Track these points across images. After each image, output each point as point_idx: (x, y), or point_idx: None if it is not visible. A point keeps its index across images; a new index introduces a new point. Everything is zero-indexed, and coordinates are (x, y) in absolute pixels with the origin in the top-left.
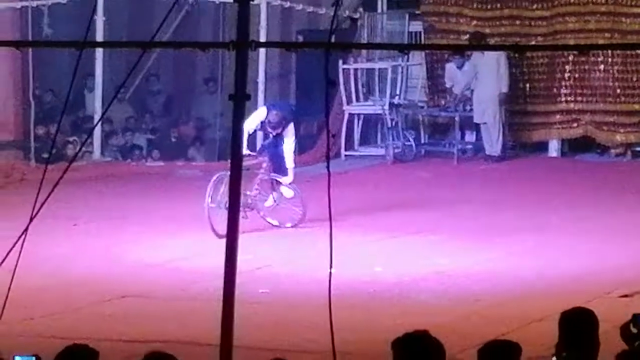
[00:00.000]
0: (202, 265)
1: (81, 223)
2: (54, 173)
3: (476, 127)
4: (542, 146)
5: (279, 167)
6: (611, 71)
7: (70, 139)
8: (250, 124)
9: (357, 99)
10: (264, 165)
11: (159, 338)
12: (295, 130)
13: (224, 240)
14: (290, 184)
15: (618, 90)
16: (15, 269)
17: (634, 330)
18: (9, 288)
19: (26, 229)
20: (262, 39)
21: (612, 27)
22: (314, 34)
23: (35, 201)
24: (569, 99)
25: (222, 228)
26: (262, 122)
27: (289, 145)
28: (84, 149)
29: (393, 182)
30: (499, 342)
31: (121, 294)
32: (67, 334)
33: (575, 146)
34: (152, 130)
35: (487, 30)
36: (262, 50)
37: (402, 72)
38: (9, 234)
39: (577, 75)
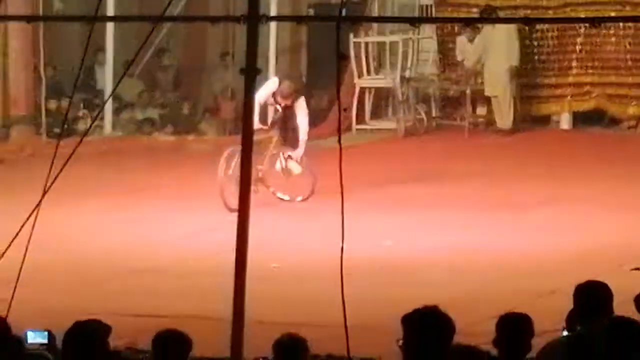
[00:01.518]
0: (214, 239)
1: (92, 198)
2: (65, 148)
3: (487, 100)
4: (554, 119)
5: (290, 141)
6: (623, 43)
7: (81, 114)
8: (262, 94)
9: (368, 73)
10: (275, 139)
11: (170, 313)
12: (306, 103)
13: (235, 215)
14: (301, 158)
15: (630, 63)
16: (28, 244)
17: None
18: (22, 263)
19: (38, 204)
20: (273, 13)
21: None
22: (324, 7)
23: (48, 175)
24: (580, 71)
25: (234, 202)
26: (273, 94)
27: (302, 118)
28: (95, 123)
29: (404, 156)
30: (517, 314)
31: (133, 269)
32: (79, 309)
33: (587, 119)
34: (162, 104)
35: (498, 3)
36: (272, 24)
37: (413, 45)
38: (21, 208)
39: (588, 48)
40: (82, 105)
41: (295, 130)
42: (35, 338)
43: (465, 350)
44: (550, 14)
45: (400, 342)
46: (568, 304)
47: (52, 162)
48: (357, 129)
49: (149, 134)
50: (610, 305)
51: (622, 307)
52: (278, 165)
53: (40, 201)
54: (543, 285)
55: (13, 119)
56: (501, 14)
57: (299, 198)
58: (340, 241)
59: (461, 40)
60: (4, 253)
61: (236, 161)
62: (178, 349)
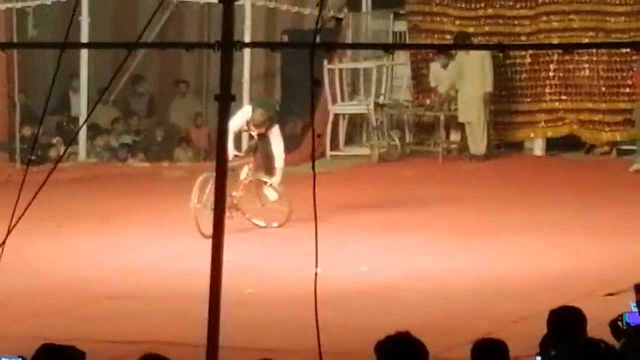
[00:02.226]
0: (188, 265)
1: (67, 224)
2: (38, 175)
3: (461, 127)
4: (527, 145)
5: (265, 168)
6: (596, 70)
7: (55, 140)
8: (236, 123)
9: (342, 99)
10: (250, 166)
11: (145, 339)
12: (280, 130)
13: (210, 241)
14: (276, 184)
15: (603, 89)
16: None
17: (622, 326)
18: None
19: (9, 231)
20: (247, 39)
21: (596, 25)
22: (298, 34)
23: (16, 202)
24: (553, 97)
25: (209, 229)
26: (247, 122)
27: (277, 146)
28: (69, 150)
29: (378, 182)
30: (492, 340)
31: (107, 295)
32: (54, 335)
33: (561, 145)
34: (137, 131)
35: (471, 30)
36: (246, 51)
37: (386, 71)
38: None
39: (561, 74)
40: (56, 131)
41: (270, 157)
42: None
43: None
44: (523, 40)
45: None
46: (542, 329)
47: (21, 188)
48: (331, 155)
49: (123, 160)
50: (583, 330)
51: (595, 332)
52: (255, 192)
53: (12, 227)
54: (517, 310)
55: None
56: (475, 41)
57: (275, 224)
58: (315, 266)
59: (435, 67)
60: None
61: (210, 188)
62: None
